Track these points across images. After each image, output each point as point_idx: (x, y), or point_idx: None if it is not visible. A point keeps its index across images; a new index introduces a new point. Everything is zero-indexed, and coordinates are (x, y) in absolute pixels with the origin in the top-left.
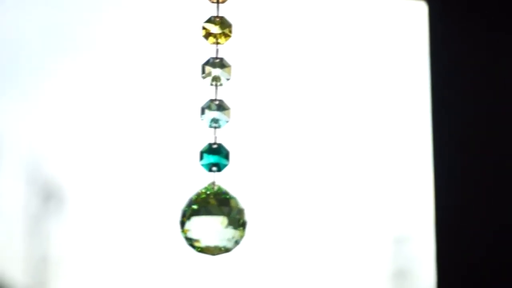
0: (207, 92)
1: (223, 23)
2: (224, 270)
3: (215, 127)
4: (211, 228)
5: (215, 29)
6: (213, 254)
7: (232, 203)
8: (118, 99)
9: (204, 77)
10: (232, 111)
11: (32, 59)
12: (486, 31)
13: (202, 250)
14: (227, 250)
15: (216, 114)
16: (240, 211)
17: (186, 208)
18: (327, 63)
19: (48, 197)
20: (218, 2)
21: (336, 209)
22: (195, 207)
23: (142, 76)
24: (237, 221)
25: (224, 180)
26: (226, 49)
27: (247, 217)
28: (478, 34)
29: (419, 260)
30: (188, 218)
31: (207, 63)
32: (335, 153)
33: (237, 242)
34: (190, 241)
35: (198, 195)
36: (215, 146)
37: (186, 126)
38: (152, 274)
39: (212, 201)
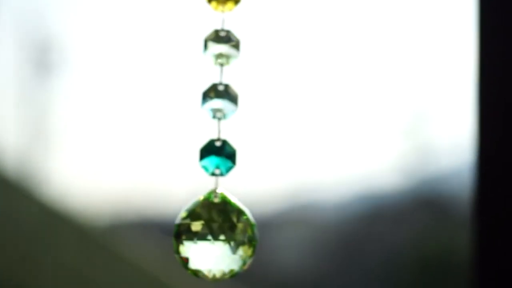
0: (210, 74)
1: None
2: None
3: (219, 118)
4: (210, 250)
5: None
6: (214, 279)
7: (238, 217)
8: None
9: (206, 55)
10: (241, 97)
11: None
12: None
13: (197, 274)
14: (232, 273)
15: (220, 102)
16: (248, 227)
17: (181, 223)
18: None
19: (43, 57)
20: None
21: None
22: (192, 223)
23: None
24: (244, 239)
25: (229, 185)
26: (234, 19)
27: (257, 233)
28: None
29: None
30: (183, 236)
31: (210, 36)
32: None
33: (244, 263)
34: (184, 263)
35: (196, 206)
36: (218, 143)
37: (183, 116)
38: (153, 135)
39: (214, 215)
